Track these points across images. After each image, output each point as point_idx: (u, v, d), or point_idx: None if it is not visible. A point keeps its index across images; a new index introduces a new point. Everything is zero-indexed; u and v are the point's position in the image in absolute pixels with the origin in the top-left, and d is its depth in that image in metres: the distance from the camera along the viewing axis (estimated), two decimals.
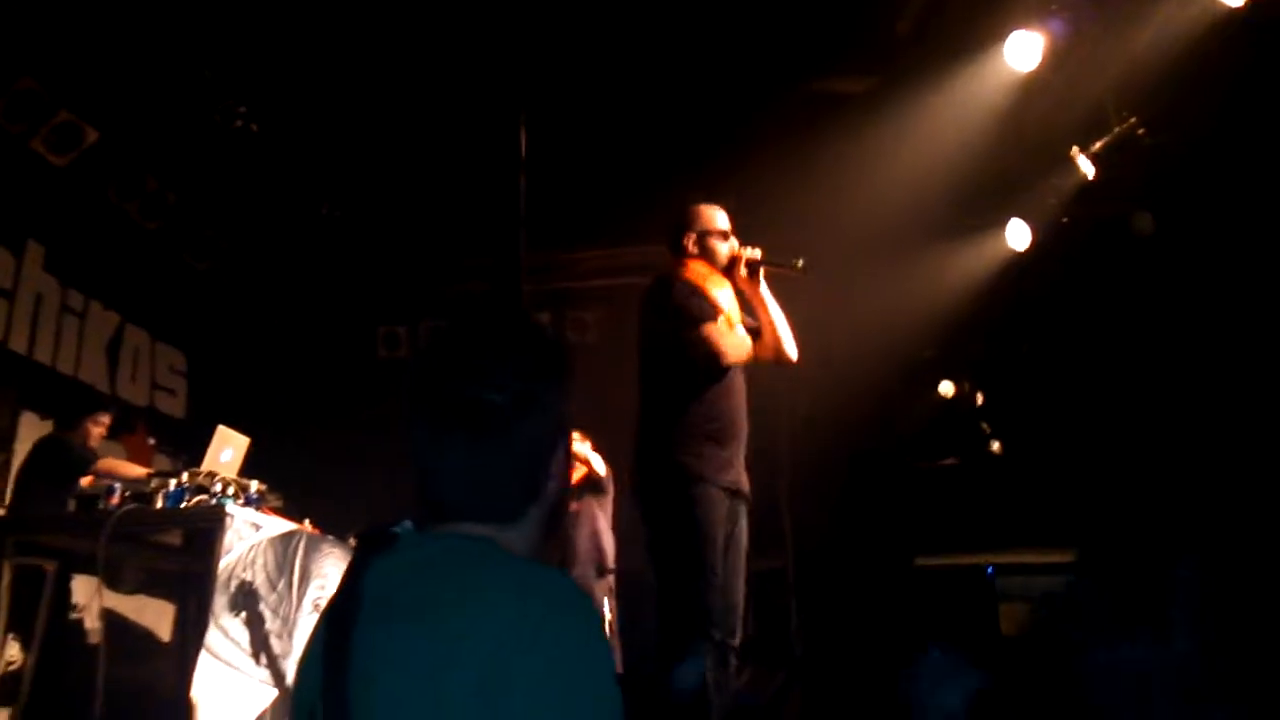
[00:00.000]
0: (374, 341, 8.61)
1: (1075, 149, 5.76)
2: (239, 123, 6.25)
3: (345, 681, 1.06)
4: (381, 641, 1.06)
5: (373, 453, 7.36)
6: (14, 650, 4.47)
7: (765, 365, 3.30)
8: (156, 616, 6.65)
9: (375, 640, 1.07)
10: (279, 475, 4.89)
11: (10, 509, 5.12)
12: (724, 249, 3.30)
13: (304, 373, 8.34)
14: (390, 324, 8.61)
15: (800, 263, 3.28)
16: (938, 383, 8.45)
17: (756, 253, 3.32)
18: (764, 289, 3.32)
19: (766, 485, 7.42)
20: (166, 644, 6.69)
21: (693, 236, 3.31)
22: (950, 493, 7.65)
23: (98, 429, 5.26)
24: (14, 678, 4.46)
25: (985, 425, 7.87)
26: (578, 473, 6.19)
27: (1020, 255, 6.70)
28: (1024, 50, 5.26)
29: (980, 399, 7.99)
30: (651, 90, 5.84)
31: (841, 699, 5.78)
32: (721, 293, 3.21)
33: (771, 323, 3.32)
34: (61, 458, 5.03)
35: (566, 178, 5.61)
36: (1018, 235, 6.62)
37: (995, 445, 8.02)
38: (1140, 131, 5.47)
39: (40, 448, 5.29)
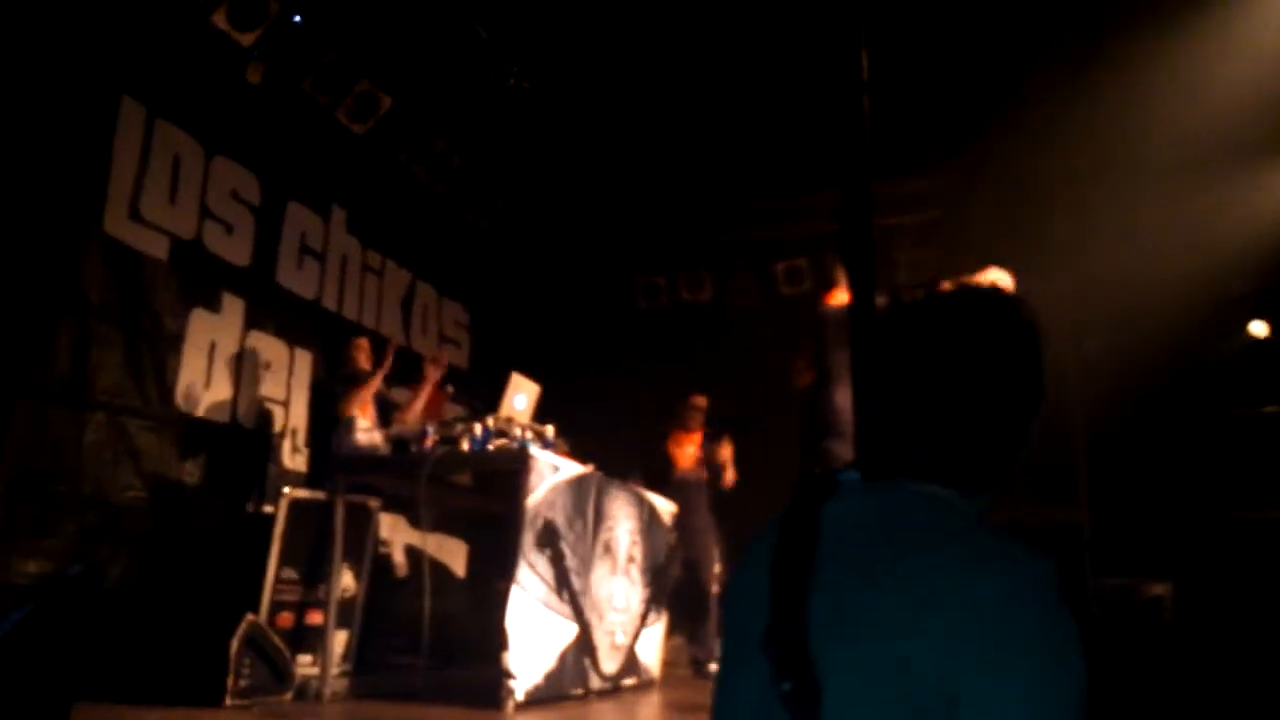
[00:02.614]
0: (634, 292, 8.78)
1: None
2: (511, 81, 6.47)
3: (803, 626, 1.04)
4: (844, 591, 1.04)
5: (631, 400, 7.53)
6: (348, 579, 4.90)
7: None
8: (451, 553, 7.17)
9: (837, 589, 1.05)
10: (552, 421, 5.06)
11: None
12: None
13: (570, 322, 8.63)
14: (649, 274, 8.74)
15: None
16: (1247, 321, 7.58)
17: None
18: None
19: (1057, 433, 6.98)
20: (461, 578, 7.22)
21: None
22: (1272, 443, 6.87)
23: (360, 354, 5.62)
24: (349, 604, 4.90)
25: None
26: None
27: None
28: None
29: None
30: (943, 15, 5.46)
31: (1149, 668, 5.33)
32: None
33: None
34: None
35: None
36: None
37: None
38: None
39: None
